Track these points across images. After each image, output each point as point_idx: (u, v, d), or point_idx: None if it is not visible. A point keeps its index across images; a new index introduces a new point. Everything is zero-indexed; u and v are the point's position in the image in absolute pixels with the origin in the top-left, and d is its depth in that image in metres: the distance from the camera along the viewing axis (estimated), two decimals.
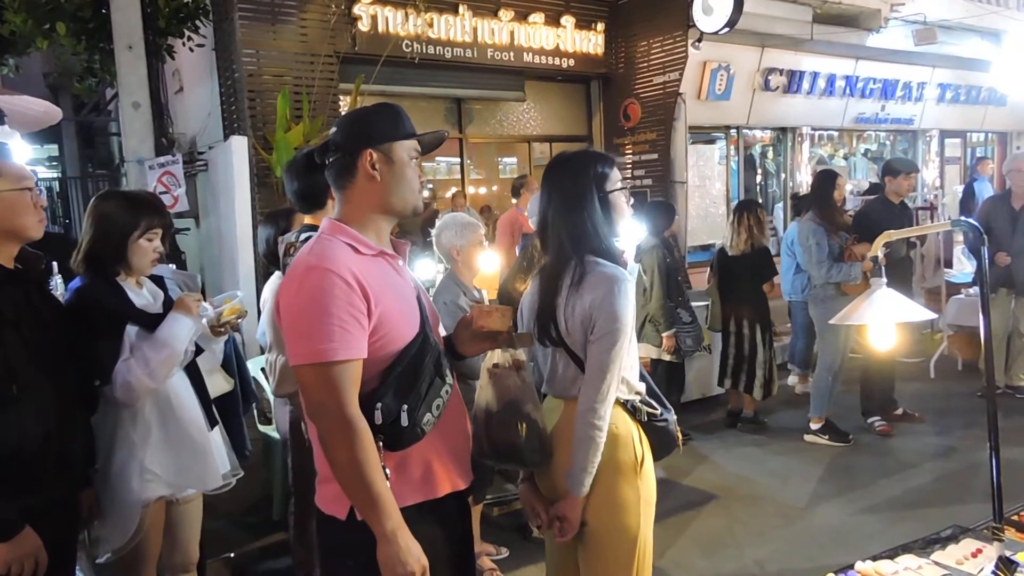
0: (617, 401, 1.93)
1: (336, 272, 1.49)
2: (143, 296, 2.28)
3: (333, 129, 1.69)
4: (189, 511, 2.41)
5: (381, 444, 1.51)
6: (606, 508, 1.93)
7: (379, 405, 1.51)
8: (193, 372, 2.35)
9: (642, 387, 2.01)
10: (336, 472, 1.51)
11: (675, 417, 2.07)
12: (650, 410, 1.99)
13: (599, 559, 1.98)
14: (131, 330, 2.15)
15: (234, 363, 3.16)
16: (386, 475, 1.51)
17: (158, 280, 2.40)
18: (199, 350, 2.39)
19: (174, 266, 2.97)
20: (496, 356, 1.81)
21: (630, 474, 1.93)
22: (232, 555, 3.56)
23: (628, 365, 1.96)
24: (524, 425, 1.76)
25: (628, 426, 1.95)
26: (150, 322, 2.19)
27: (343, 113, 5.61)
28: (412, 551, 1.49)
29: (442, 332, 1.88)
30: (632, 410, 1.97)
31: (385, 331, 1.54)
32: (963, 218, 1.69)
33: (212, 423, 2.38)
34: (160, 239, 2.30)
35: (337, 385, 1.47)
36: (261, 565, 3.58)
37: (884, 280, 1.79)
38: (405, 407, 1.52)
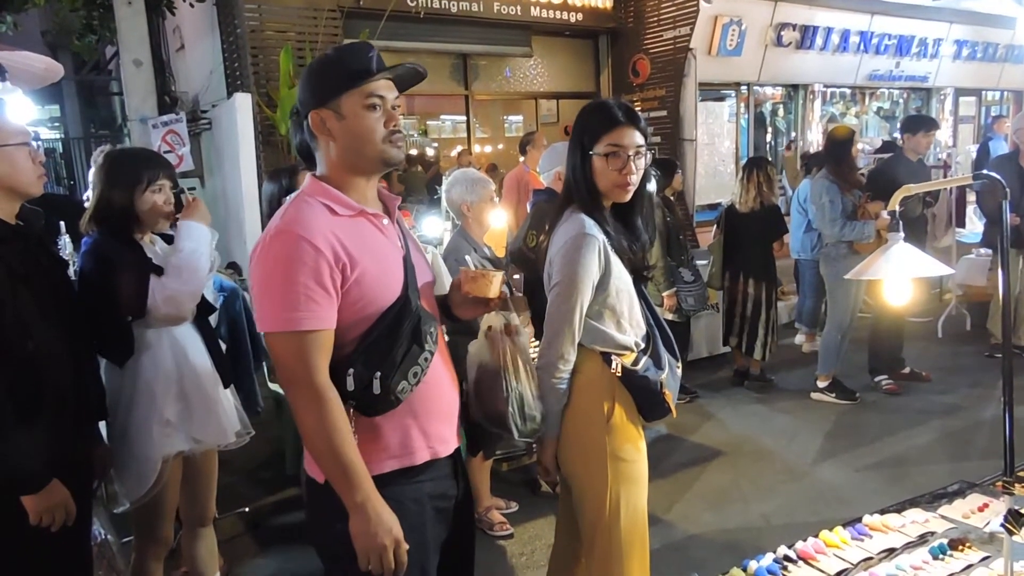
0: (594, 351, 1.95)
1: (306, 237, 1.42)
2: (156, 253, 2.28)
3: None
4: (205, 467, 2.44)
5: (352, 410, 1.48)
6: (574, 456, 1.98)
7: (351, 371, 1.46)
8: (206, 329, 2.36)
9: (631, 341, 1.98)
10: (306, 440, 1.48)
11: (664, 376, 2.01)
12: (628, 366, 1.96)
13: (577, 509, 2.03)
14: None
15: (244, 321, 3.19)
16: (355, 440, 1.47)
17: (169, 240, 2.39)
18: (210, 308, 2.39)
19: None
20: (491, 319, 1.79)
21: (597, 425, 1.94)
22: (247, 509, 3.62)
23: (611, 319, 1.95)
24: (511, 394, 1.73)
25: (599, 378, 1.95)
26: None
27: None
28: (384, 522, 1.46)
29: (446, 289, 1.85)
30: (608, 361, 1.96)
31: (362, 295, 1.48)
32: (986, 171, 1.66)
33: (227, 382, 2.39)
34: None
35: (305, 354, 1.42)
36: (274, 519, 3.64)
37: (902, 235, 1.76)
38: (378, 374, 1.46)
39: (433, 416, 1.60)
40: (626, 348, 1.98)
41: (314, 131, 1.54)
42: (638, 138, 1.94)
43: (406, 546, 1.50)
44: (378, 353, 1.48)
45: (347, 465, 1.44)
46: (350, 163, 1.55)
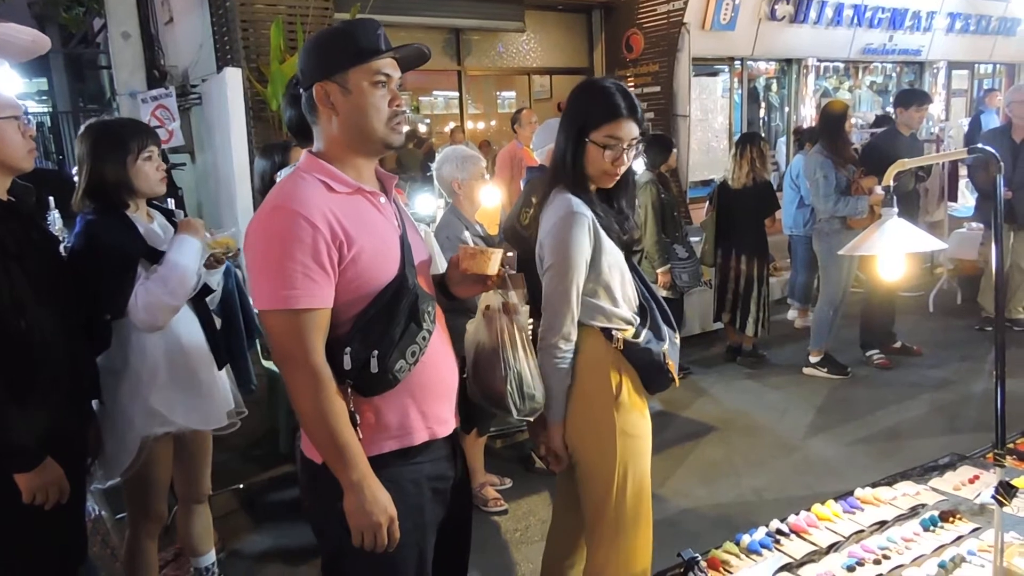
0: (594, 328, 1.95)
1: (303, 214, 1.39)
2: (153, 231, 2.25)
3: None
4: (200, 445, 2.44)
5: (350, 390, 1.47)
6: (581, 435, 1.98)
7: (348, 350, 1.44)
8: (202, 311, 2.34)
9: (628, 314, 1.99)
10: (302, 420, 1.47)
11: (666, 348, 2.02)
12: (630, 339, 1.96)
13: (582, 486, 2.03)
14: (140, 266, 2.13)
15: (236, 298, 3.17)
16: (356, 421, 1.46)
17: (170, 215, 2.38)
18: (208, 290, 2.37)
19: (172, 201, 2.92)
20: (489, 297, 1.77)
21: (604, 402, 1.94)
22: (241, 486, 3.63)
23: (605, 295, 1.95)
24: (509, 373, 1.72)
25: (603, 354, 1.95)
26: (160, 259, 2.16)
27: None
28: (379, 501, 1.46)
29: (442, 268, 1.84)
30: (609, 337, 1.96)
31: (359, 273, 1.46)
32: (981, 145, 1.66)
33: (222, 363, 2.38)
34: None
35: (301, 333, 1.41)
36: (269, 496, 3.65)
37: (895, 210, 1.76)
38: (375, 353, 1.44)
39: (431, 396, 1.59)
40: (625, 321, 1.98)
41: (317, 103, 1.51)
42: (635, 130, 1.93)
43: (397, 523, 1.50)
44: (375, 332, 1.46)
45: (343, 445, 1.44)
46: (351, 140, 1.53)
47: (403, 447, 1.55)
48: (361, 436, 1.47)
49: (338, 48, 1.49)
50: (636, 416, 1.99)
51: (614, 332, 1.96)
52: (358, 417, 1.48)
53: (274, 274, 1.40)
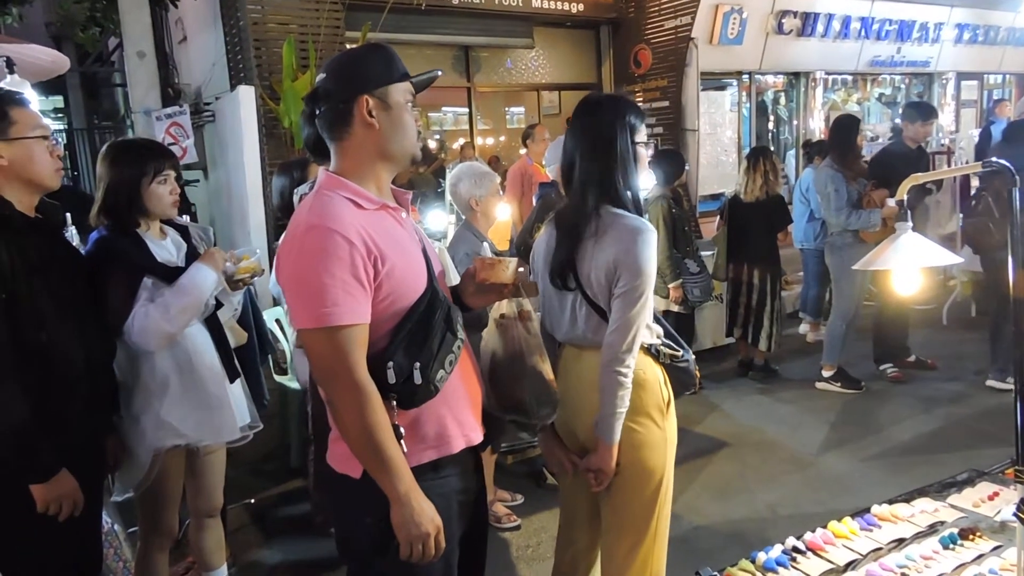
0: (641, 347, 1.94)
1: (339, 231, 1.41)
2: (165, 247, 2.28)
3: (321, 75, 1.57)
4: (213, 460, 2.45)
5: (395, 403, 1.48)
6: (636, 450, 1.95)
7: (391, 364, 1.47)
8: (214, 325, 2.36)
9: (657, 327, 2.03)
10: (346, 436, 1.48)
11: (693, 356, 2.10)
12: (672, 352, 2.01)
13: (626, 500, 1.98)
14: (148, 281, 2.15)
15: (250, 315, 3.18)
16: (400, 434, 1.48)
17: (183, 231, 2.40)
18: (218, 304, 2.39)
19: (187, 217, 2.95)
20: (503, 306, 1.79)
21: (658, 416, 1.96)
22: (252, 501, 3.63)
23: (648, 311, 1.95)
24: (528, 378, 1.73)
25: (654, 370, 1.98)
26: (168, 275, 2.18)
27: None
28: (426, 512, 1.48)
29: (455, 280, 1.86)
30: (655, 354, 1.98)
31: (393, 288, 1.48)
32: (995, 159, 1.65)
33: (234, 376, 2.39)
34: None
35: (344, 349, 1.42)
36: (280, 511, 3.65)
37: (910, 224, 1.76)
38: (418, 365, 1.48)
39: (464, 404, 1.62)
40: (656, 335, 2.00)
41: (355, 116, 1.52)
42: None
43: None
44: (416, 343, 1.49)
45: (389, 459, 1.45)
46: (384, 152, 1.57)
47: (441, 456, 1.57)
48: (405, 449, 1.49)
49: (381, 64, 1.56)
50: (674, 425, 2.02)
51: (659, 348, 1.99)
52: (402, 430, 1.49)
53: (314, 292, 1.41)
